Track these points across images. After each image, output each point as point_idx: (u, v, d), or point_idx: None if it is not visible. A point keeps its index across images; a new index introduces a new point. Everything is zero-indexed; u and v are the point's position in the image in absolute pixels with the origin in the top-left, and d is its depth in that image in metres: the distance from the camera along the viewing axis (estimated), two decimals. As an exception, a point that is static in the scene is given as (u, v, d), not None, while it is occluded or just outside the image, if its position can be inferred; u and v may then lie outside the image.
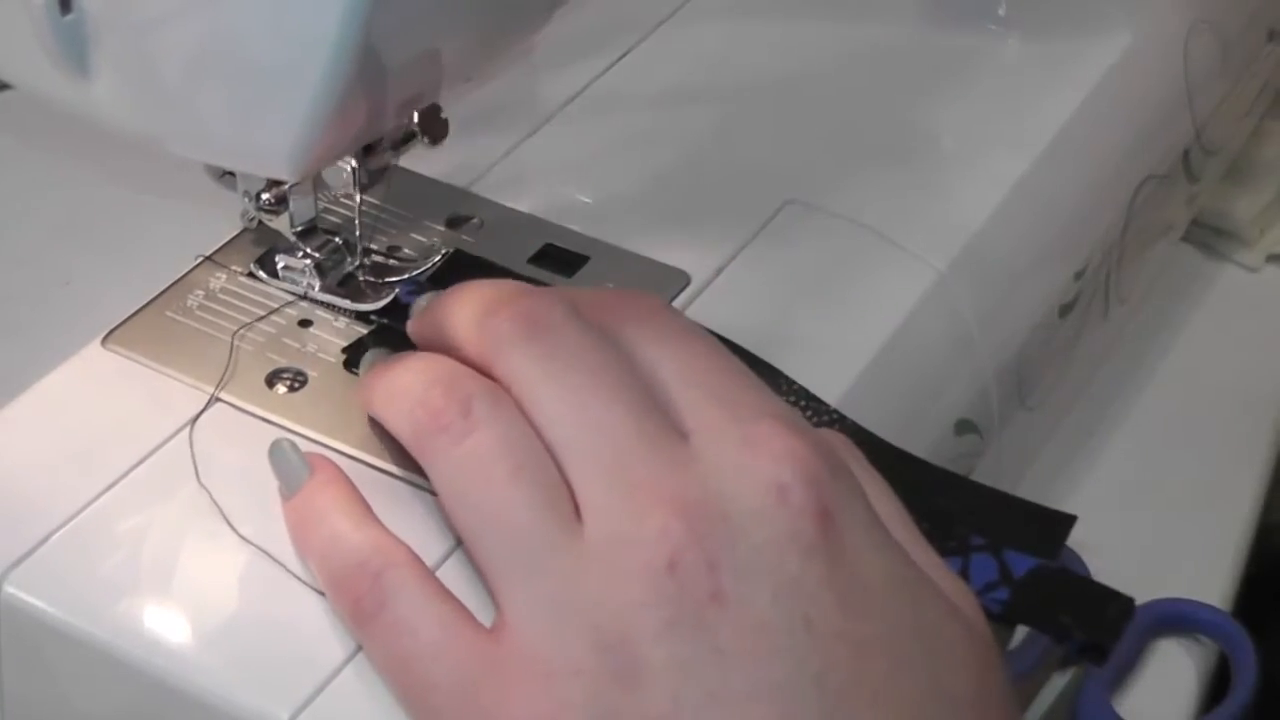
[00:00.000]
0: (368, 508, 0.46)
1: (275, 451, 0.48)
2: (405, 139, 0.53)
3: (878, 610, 0.42)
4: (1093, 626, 0.47)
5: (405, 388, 0.46)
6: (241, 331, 0.52)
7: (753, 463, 0.43)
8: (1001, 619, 0.48)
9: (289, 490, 0.47)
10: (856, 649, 0.41)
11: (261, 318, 0.53)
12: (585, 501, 0.43)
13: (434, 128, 0.53)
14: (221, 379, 0.51)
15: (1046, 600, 0.48)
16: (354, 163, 0.52)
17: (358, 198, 0.53)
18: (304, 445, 0.49)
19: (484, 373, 0.45)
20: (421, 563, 0.44)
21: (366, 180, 0.53)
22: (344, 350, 0.52)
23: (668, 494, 0.42)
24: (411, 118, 0.52)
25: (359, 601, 0.44)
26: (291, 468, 0.47)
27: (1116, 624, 0.48)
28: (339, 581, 0.44)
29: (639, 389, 0.44)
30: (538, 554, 0.42)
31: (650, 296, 0.48)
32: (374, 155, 0.53)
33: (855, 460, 0.47)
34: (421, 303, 0.50)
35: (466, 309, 0.46)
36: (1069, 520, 0.50)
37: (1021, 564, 0.49)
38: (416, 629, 0.43)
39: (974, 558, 0.49)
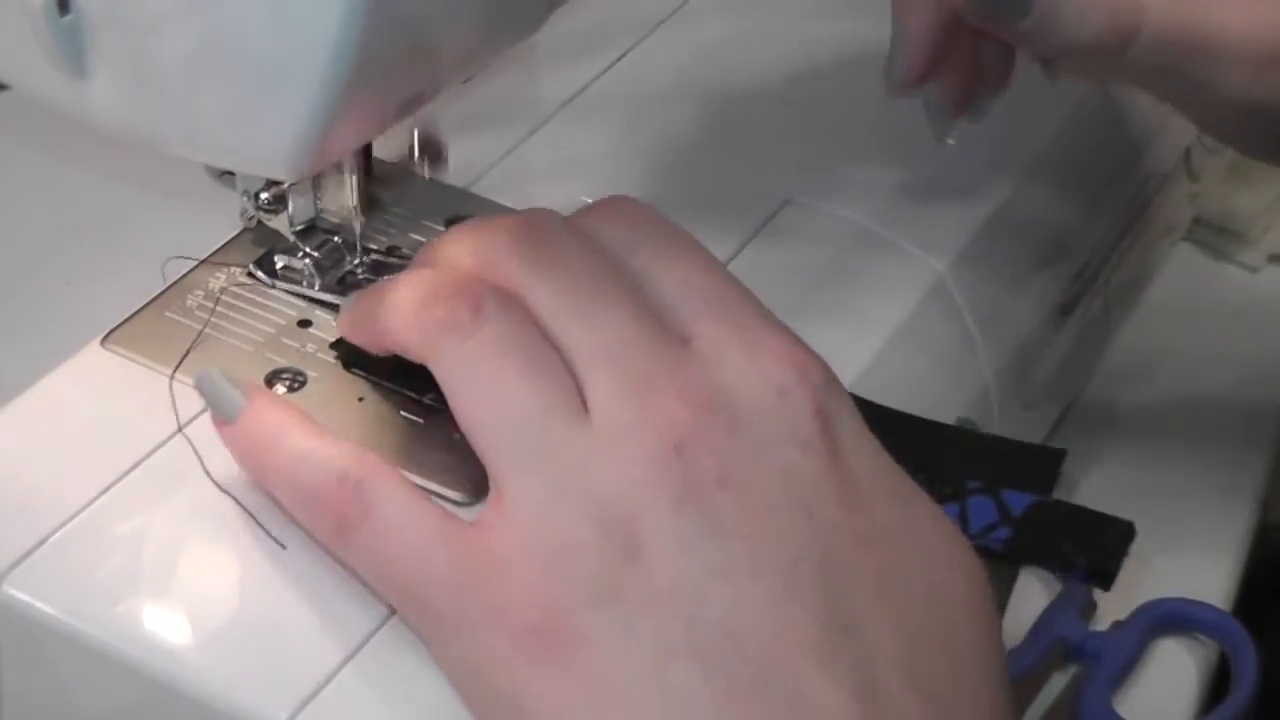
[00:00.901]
0: (324, 427, 0.46)
1: (204, 380, 0.47)
2: (402, 168, 0.53)
3: (873, 508, 0.43)
4: (1095, 551, 0.48)
5: (407, 299, 0.46)
6: (210, 320, 0.52)
7: (754, 364, 0.44)
8: (1004, 558, 0.48)
9: (226, 416, 0.46)
10: (855, 541, 0.43)
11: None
12: (593, 395, 0.43)
13: (433, 153, 0.53)
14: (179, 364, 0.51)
15: (1047, 533, 0.48)
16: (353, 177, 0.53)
17: (355, 197, 0.53)
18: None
19: None
20: (395, 468, 0.45)
21: (365, 213, 0.53)
22: (332, 346, 0.52)
23: (674, 385, 0.43)
24: (411, 144, 0.52)
25: (343, 512, 0.44)
26: (225, 395, 0.47)
27: (1119, 547, 0.48)
28: (317, 496, 0.44)
29: (640, 296, 0.45)
30: (545, 439, 0.43)
31: (633, 201, 0.49)
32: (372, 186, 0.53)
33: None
34: (348, 302, 0.49)
35: (459, 238, 0.47)
36: (1059, 454, 0.50)
37: (1019, 501, 0.49)
38: (406, 528, 0.43)
39: (971, 501, 0.50)
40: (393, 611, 0.45)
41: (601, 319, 0.44)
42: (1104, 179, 0.67)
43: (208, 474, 0.48)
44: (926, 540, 0.44)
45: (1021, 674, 0.56)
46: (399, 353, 0.46)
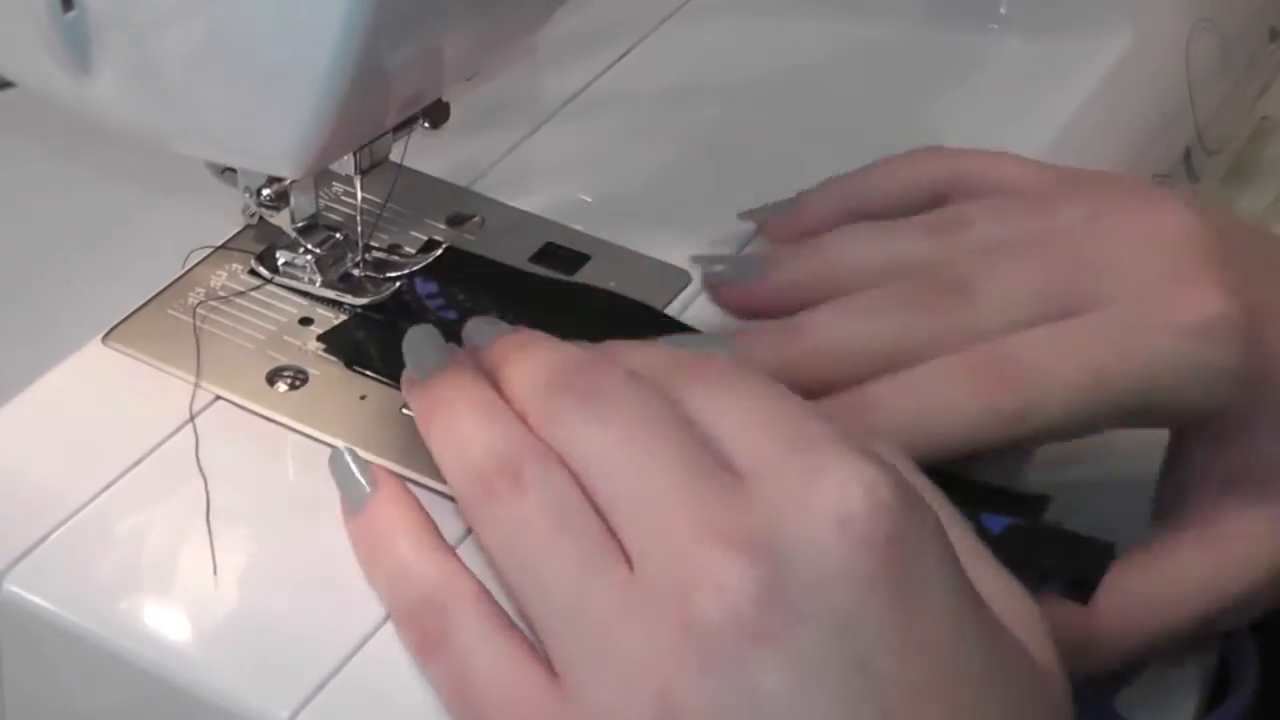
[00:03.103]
0: (433, 527, 0.46)
1: (336, 463, 0.47)
2: (405, 122, 0.52)
3: (940, 654, 0.40)
4: (1076, 566, 0.47)
5: (463, 443, 0.45)
6: (201, 312, 0.52)
7: (813, 493, 0.40)
8: None
9: (353, 506, 0.46)
10: (913, 694, 0.39)
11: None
12: (633, 550, 0.41)
13: (434, 112, 0.53)
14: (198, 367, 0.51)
15: (1027, 551, 0.48)
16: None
17: (359, 193, 0.53)
18: (305, 443, 0.49)
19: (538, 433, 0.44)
20: (488, 594, 0.44)
21: (368, 165, 0.53)
22: (320, 338, 0.52)
23: (716, 533, 0.40)
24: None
25: (424, 632, 0.43)
26: (353, 483, 0.47)
27: (1100, 563, 0.48)
28: (406, 615, 0.44)
29: (692, 436, 0.43)
30: (582, 604, 0.41)
31: (718, 357, 0.47)
32: (375, 142, 0.53)
33: (925, 486, 0.44)
34: (473, 333, 0.49)
35: (528, 375, 0.45)
36: (1044, 500, 0.50)
37: (997, 523, 0.48)
38: (478, 661, 0.42)
39: None
40: (394, 610, 0.45)
41: (642, 464, 0.42)
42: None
43: (203, 471, 0.48)
44: (999, 688, 0.41)
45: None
46: None
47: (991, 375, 0.49)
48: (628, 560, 0.41)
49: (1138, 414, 0.50)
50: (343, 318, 0.53)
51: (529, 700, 0.42)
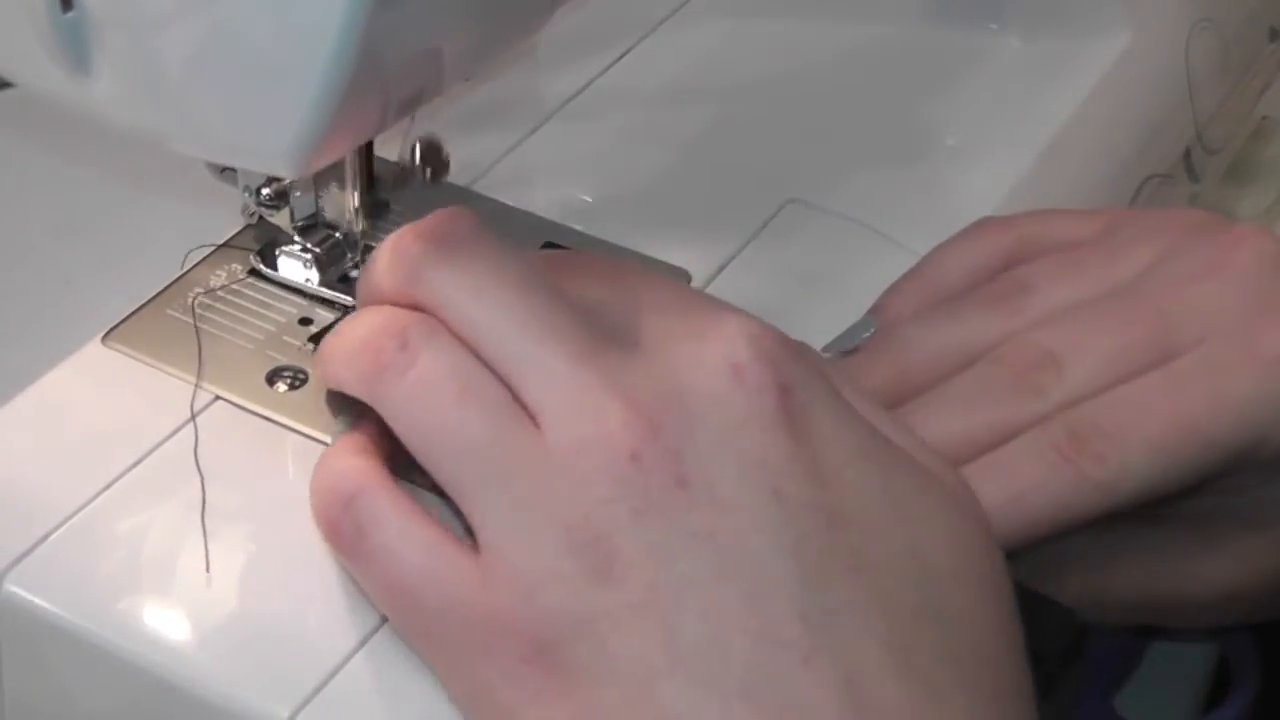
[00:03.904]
0: (374, 446, 0.45)
1: (339, 414, 0.48)
2: (404, 175, 0.53)
3: (848, 481, 0.42)
4: (1037, 636, 0.46)
5: (346, 343, 0.46)
6: (201, 299, 0.52)
7: (705, 349, 0.43)
8: None
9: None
10: (829, 518, 0.41)
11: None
12: (539, 409, 0.42)
13: (433, 160, 0.53)
14: (199, 364, 0.51)
15: None
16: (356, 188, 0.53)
17: (357, 194, 0.53)
18: (305, 443, 0.49)
19: (414, 308, 0.45)
20: (395, 486, 0.44)
21: (367, 214, 0.53)
22: (312, 340, 0.52)
23: (621, 390, 0.42)
24: (413, 152, 0.52)
25: (336, 528, 0.44)
26: (337, 428, 0.47)
27: (1058, 635, 0.47)
28: (318, 512, 0.44)
29: (570, 301, 0.44)
30: (499, 467, 0.42)
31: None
32: (374, 190, 0.53)
33: (804, 346, 0.46)
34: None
35: (381, 257, 0.46)
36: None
37: None
38: (399, 555, 0.43)
39: None
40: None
41: (535, 327, 0.43)
42: (1104, 180, 0.67)
43: (200, 468, 0.48)
44: (908, 509, 0.43)
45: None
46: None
47: (1075, 447, 0.48)
48: (533, 420, 0.42)
49: (1235, 458, 0.49)
50: (340, 318, 0.53)
51: (457, 581, 0.42)
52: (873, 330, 0.53)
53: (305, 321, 0.53)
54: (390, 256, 0.46)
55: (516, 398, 0.43)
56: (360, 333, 0.45)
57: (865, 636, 0.40)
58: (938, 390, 0.50)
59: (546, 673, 0.41)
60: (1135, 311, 0.50)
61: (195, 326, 0.52)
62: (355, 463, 0.45)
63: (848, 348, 0.53)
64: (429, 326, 0.44)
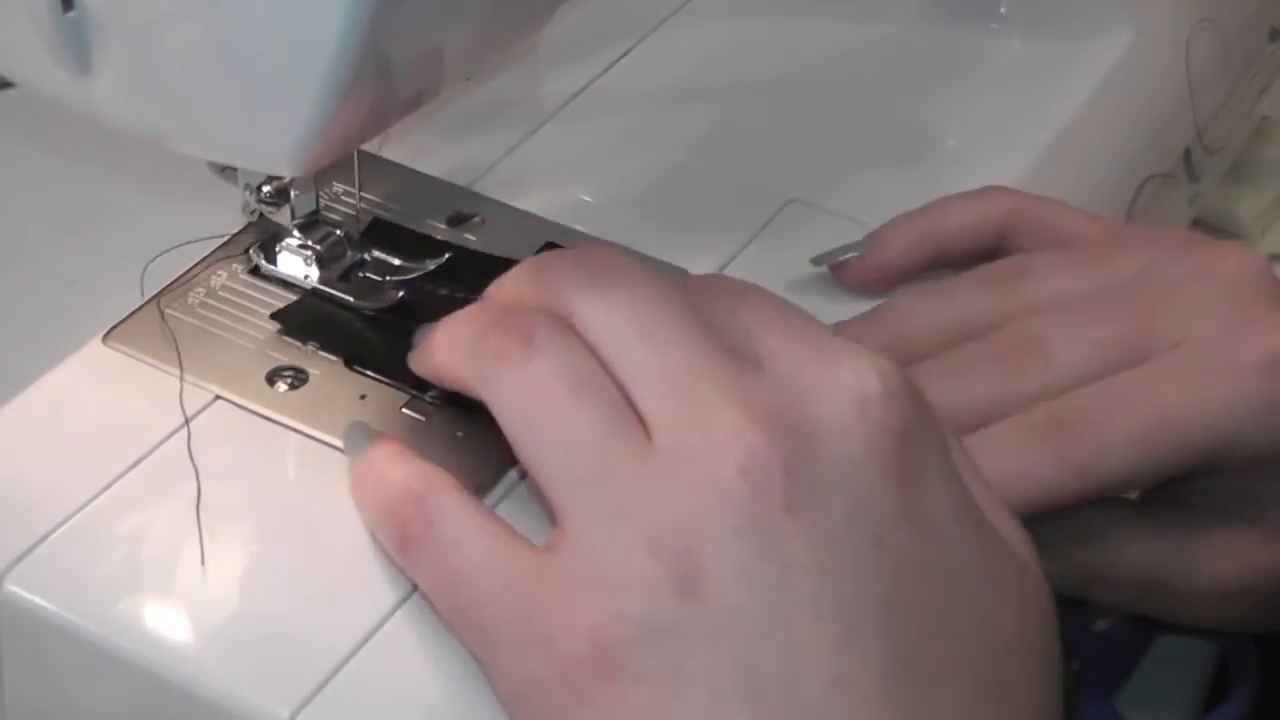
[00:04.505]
0: (416, 455, 0.46)
1: (349, 429, 0.48)
2: None
3: (945, 540, 0.42)
4: None
5: (462, 333, 0.45)
6: (201, 299, 0.52)
7: (832, 377, 0.42)
8: None
9: (350, 462, 0.47)
10: (922, 574, 0.41)
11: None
12: (652, 417, 0.42)
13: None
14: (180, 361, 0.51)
15: None
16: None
17: (357, 194, 0.53)
18: (305, 443, 0.49)
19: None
20: (464, 489, 0.44)
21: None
22: (273, 315, 0.52)
23: (740, 403, 0.41)
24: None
25: (405, 525, 0.43)
26: (358, 441, 0.47)
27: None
28: (386, 513, 0.44)
29: (704, 320, 0.43)
30: (600, 465, 0.42)
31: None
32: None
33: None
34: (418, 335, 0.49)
35: (519, 267, 0.46)
36: None
37: None
38: (464, 544, 0.43)
39: None
40: (394, 609, 0.45)
41: (661, 340, 0.43)
42: (1104, 180, 0.67)
43: (195, 464, 0.48)
44: (989, 576, 0.42)
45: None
46: (456, 388, 0.46)
47: (1059, 431, 0.49)
48: (645, 429, 0.42)
49: (1209, 457, 0.50)
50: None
51: (524, 574, 0.42)
52: (860, 254, 0.56)
53: (306, 320, 0.53)
54: (528, 265, 0.46)
55: (632, 406, 0.42)
56: (481, 321, 0.45)
57: (936, 703, 0.40)
58: (931, 362, 0.51)
59: (602, 675, 0.40)
60: (1125, 309, 0.51)
61: (172, 333, 0.52)
62: (418, 465, 0.45)
63: (831, 262, 0.56)
64: (558, 327, 0.44)
